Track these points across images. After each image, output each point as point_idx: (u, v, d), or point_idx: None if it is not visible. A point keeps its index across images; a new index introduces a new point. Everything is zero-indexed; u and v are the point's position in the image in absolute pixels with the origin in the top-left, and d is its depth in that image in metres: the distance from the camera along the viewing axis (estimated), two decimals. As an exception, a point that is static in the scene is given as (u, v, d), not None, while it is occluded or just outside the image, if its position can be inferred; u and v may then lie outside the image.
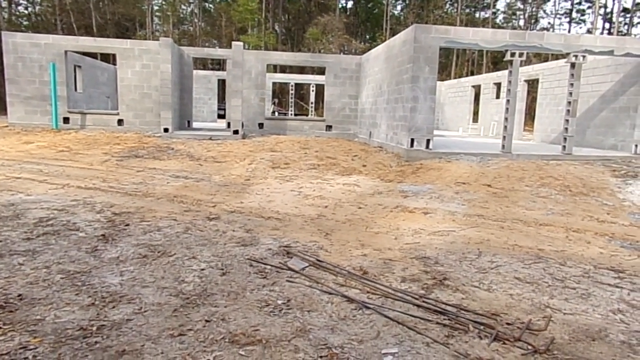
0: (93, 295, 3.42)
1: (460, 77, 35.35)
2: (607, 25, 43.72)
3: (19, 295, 3.35)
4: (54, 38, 15.79)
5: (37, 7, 41.96)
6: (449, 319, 3.30)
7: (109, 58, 24.97)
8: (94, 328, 2.91)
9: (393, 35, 14.51)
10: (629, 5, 42.08)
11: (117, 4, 41.88)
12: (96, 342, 2.75)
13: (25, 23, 40.17)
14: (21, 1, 40.72)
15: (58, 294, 3.41)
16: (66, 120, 15.56)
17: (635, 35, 41.89)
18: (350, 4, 52.57)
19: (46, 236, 4.80)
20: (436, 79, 11.43)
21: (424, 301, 3.59)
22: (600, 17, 42.59)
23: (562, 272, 4.43)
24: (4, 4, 37.41)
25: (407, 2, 49.97)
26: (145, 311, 3.20)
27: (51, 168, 9.20)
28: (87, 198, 6.71)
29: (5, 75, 15.40)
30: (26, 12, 41.88)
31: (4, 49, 15.25)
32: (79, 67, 19.29)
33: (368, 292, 3.74)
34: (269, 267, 4.20)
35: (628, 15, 42.85)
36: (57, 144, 12.41)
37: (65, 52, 15.45)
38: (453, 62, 44.76)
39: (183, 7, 48.46)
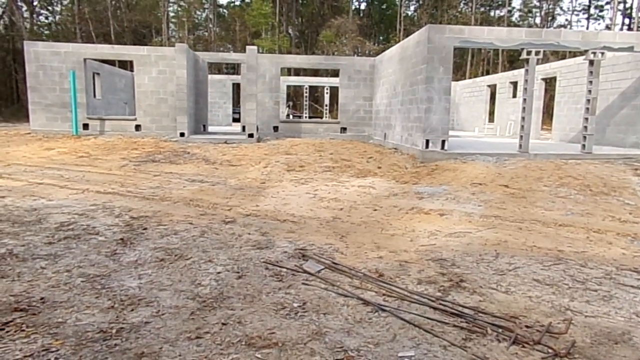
0: (112, 298, 3.48)
1: (475, 76, 34.96)
2: (626, 20, 42.77)
3: (42, 298, 3.43)
4: (73, 46, 16.17)
5: (57, 17, 43.09)
6: (466, 322, 3.26)
7: (126, 65, 25.46)
8: (114, 331, 2.97)
9: (407, 36, 14.46)
10: (649, -1, 41.00)
11: (134, 12, 42.72)
12: (115, 345, 2.80)
13: (46, 32, 41.29)
14: (42, 11, 41.87)
15: (79, 297, 3.49)
16: (86, 126, 15.90)
17: (656, 30, 40.77)
18: (363, 6, 52.57)
19: (67, 240, 4.90)
20: (451, 79, 11.34)
21: (440, 304, 3.55)
22: (619, 13, 41.67)
23: (583, 273, 4.33)
24: (26, 15, 38.48)
25: (421, 2, 49.66)
26: (163, 314, 3.24)
27: (72, 173, 9.41)
28: (106, 202, 6.84)
29: (27, 84, 15.83)
30: (47, 21, 43.04)
31: (26, 57, 15.69)
32: (98, 74, 19.71)
33: (384, 294, 3.72)
34: (284, 270, 4.22)
35: (649, 10, 41.74)
36: (77, 150, 12.69)
37: (85, 59, 15.80)
38: (468, 62, 44.30)
39: (198, 12, 49.12)
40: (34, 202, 6.74)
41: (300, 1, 49.59)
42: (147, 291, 3.64)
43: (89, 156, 11.93)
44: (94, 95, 19.19)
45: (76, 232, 5.20)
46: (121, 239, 5.03)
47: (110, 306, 3.34)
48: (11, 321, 3.03)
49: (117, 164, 10.92)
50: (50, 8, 42.78)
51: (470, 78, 32.51)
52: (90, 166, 10.49)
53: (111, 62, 21.47)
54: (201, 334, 2.97)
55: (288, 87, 29.50)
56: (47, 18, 43.05)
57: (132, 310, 3.29)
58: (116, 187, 8.12)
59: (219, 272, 4.12)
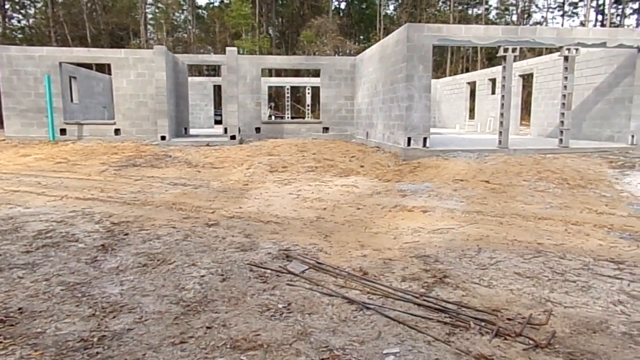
0: (93, 306, 3.42)
1: (455, 74, 35.41)
2: (599, 17, 43.88)
3: (20, 308, 3.35)
4: (48, 50, 15.80)
5: (31, 20, 42.03)
6: (450, 317, 3.30)
7: (104, 68, 25.00)
8: (95, 339, 2.91)
9: (387, 34, 14.56)
10: (620, -4, 42.24)
11: (111, 14, 41.96)
12: (97, 353, 2.75)
13: (19, 36, 40.20)
14: (14, 15, 40.82)
15: (58, 306, 3.41)
16: (63, 131, 15.56)
17: (627, 26, 42.00)
18: (343, 5, 52.69)
19: (45, 248, 4.80)
20: (431, 77, 11.46)
21: (424, 300, 3.59)
22: (592, 10, 42.76)
23: (562, 265, 4.43)
24: (-2, 18, 37.49)
25: (400, 1, 50.07)
26: (146, 320, 3.20)
27: (49, 180, 9.20)
28: (85, 209, 6.71)
29: (1, 89, 15.41)
30: (20, 25, 41.94)
31: (-1, 62, 15.27)
32: (74, 78, 19.31)
33: (368, 292, 3.74)
34: (269, 271, 4.20)
35: (620, 7, 43.00)
36: (54, 156, 12.41)
37: (60, 63, 15.46)
38: (447, 60, 44.85)
39: (176, 14, 48.52)
40: (10, 210, 6.57)
41: (280, 1, 49.47)
42: (129, 297, 3.58)
43: (67, 162, 11.68)
44: (71, 100, 18.79)
45: (55, 240, 5.09)
46: (102, 245, 4.94)
47: (91, 314, 3.28)
48: (-12, 333, 2.95)
49: (97, 169, 10.72)
50: (23, 11, 41.72)
51: (450, 76, 32.90)
52: (69, 172, 10.28)
53: (88, 66, 21.05)
54: (185, 338, 2.94)
55: (269, 88, 29.39)
56: (19, 22, 41.97)
57: (114, 317, 3.24)
58: (96, 193, 7.98)
59: (202, 276, 4.08)
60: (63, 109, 15.58)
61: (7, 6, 38.51)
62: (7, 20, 39.18)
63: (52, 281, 3.90)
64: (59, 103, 15.42)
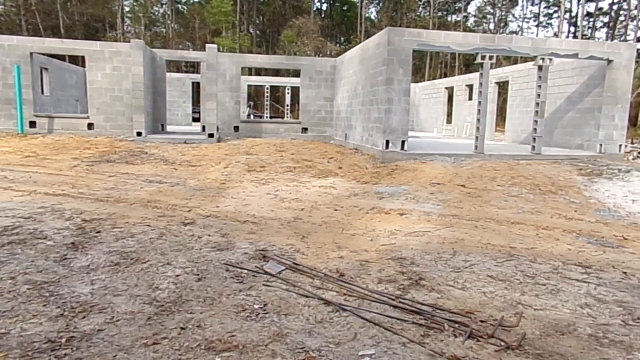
0: (62, 305, 3.31)
1: (434, 79, 35.97)
2: (572, 29, 45.37)
3: (-17, 308, 3.21)
4: (18, 39, 15.23)
5: (1, 7, 40.48)
6: (424, 319, 3.34)
7: (77, 60, 24.29)
8: (63, 340, 2.82)
9: (367, 37, 14.66)
10: (592, 10, 43.76)
11: (86, 5, 40.83)
12: (65, 355, 2.66)
13: (-12, 24, 38.66)
14: (-17, 1, 39.25)
15: (24, 305, 3.29)
16: (32, 124, 15.03)
17: (598, 38, 43.57)
18: (325, 7, 52.84)
19: (11, 245, 4.61)
20: (410, 81, 11.60)
21: (400, 302, 3.62)
22: (565, 21, 44.14)
23: (533, 268, 4.55)
24: (-35, 4, 35.96)
25: (381, 5, 50.55)
26: (117, 320, 3.12)
27: (17, 174, 8.87)
28: (55, 205, 6.49)
29: (-33, 78, 14.76)
30: (-11, 12, 40.34)
31: (-35, 50, 14.63)
32: (46, 69, 18.69)
33: (345, 294, 3.75)
34: (245, 271, 4.16)
35: (591, 20, 44.57)
36: (22, 149, 11.97)
37: (31, 53, 14.93)
38: (427, 64, 45.52)
39: (155, 8, 47.63)
40: (-25, 205, 6.30)
41: (262, 0, 49.20)
42: (100, 297, 3.49)
43: (37, 156, 11.29)
44: (42, 92, 18.17)
45: (21, 237, 4.90)
46: (72, 243, 4.79)
47: (59, 314, 3.17)
48: (-53, 334, 2.82)
49: (68, 164, 10.39)
50: (-8, -2, 40.16)
51: (428, 80, 33.41)
52: (38, 166, 9.93)
53: (61, 57, 20.41)
54: (158, 339, 2.88)
55: (249, 86, 29.16)
56: (-11, 9, 40.37)
57: (84, 317, 3.14)
58: (67, 189, 7.73)
59: (177, 275, 4.01)
60: (33, 101, 15.04)
61: (-25, -8, 37.01)
62: (-25, 6, 37.64)
63: (18, 280, 3.76)
64: (29, 95, 14.88)
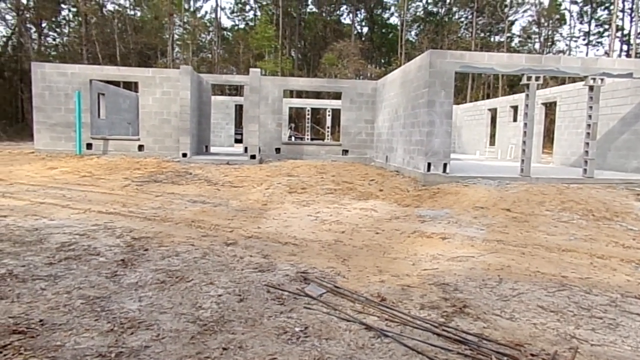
0: (112, 321, 3.44)
1: (476, 100, 35.32)
2: (624, 47, 43.44)
3: (40, 320, 3.39)
4: (79, 67, 16.44)
5: (65, 38, 43.93)
6: (470, 349, 3.20)
7: (131, 86, 25.81)
8: (113, 355, 2.92)
9: (408, 59, 14.70)
10: (646, 27, 41.76)
11: (140, 34, 43.57)
12: (114, 369, 2.75)
13: (53, 53, 42.02)
14: (50, 33, 42.74)
15: (78, 319, 3.45)
16: (89, 146, 16.02)
17: (654, 56, 41.37)
18: (365, 30, 53.56)
19: (68, 261, 4.88)
20: (452, 103, 11.46)
21: (443, 330, 3.50)
22: (617, 40, 42.37)
23: (588, 300, 4.28)
24: (34, 36, 39.28)
25: (422, 27, 50.63)
26: (163, 338, 3.20)
27: (74, 193, 9.43)
28: (107, 223, 6.83)
29: (33, 104, 16.04)
30: (54, 43, 43.87)
31: (33, 78, 15.94)
32: (103, 94, 19.98)
33: (386, 319, 3.67)
34: (286, 293, 4.18)
35: (646, 37, 42.47)
36: (80, 169, 12.75)
37: (90, 80, 16.04)
38: (469, 86, 44.85)
39: (202, 35, 50.07)
40: (36, 221, 6.74)
41: (304, 25, 50.60)
42: (147, 314, 3.60)
43: (92, 176, 11.98)
44: (99, 116, 19.40)
45: (77, 253, 5.18)
46: (122, 260, 5.00)
47: (109, 329, 3.30)
48: (9, 344, 2.99)
49: (120, 183, 10.95)
50: (58, 30, 43.69)
51: (471, 102, 32.84)
52: (93, 186, 10.52)
53: (116, 83, 21.76)
54: (202, 358, 2.93)
55: (290, 108, 29.80)
56: (54, 39, 43.92)
57: (132, 333, 3.25)
58: (118, 207, 8.13)
59: (220, 295, 4.08)
60: (90, 124, 16.08)
61: (43, 24, 40.37)
62: (42, 38, 41.03)
63: (73, 294, 3.95)
64: (87, 118, 15.93)
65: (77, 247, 5.43)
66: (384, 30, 52.53)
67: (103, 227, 6.55)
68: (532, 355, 3.16)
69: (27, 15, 37.67)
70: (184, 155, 15.07)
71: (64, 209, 7.74)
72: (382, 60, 50.99)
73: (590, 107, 11.68)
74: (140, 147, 16.20)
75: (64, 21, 43.85)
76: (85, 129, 15.88)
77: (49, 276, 4.37)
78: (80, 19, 40.29)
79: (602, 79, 11.45)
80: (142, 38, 43.23)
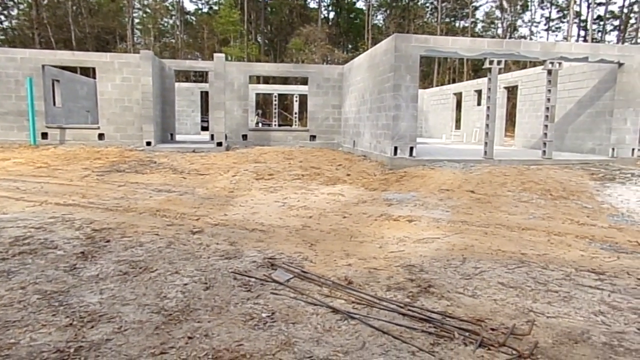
0: (71, 315, 3.32)
1: (442, 84, 35.88)
2: (582, 32, 45.03)
3: (-7, 317, 3.23)
4: (30, 52, 15.55)
5: (14, 22, 41.39)
6: (434, 327, 3.29)
7: (88, 72, 24.68)
8: (72, 350, 2.82)
9: (375, 44, 14.70)
10: (602, 13, 43.48)
11: (97, 17, 41.60)
12: (73, 364, 2.66)
13: (1, 37, 39.58)
14: (-3, 16, 40.20)
15: (34, 315, 3.31)
16: (44, 135, 15.27)
17: (608, 42, 43.18)
18: (332, 15, 53.16)
19: (22, 255, 4.66)
20: (418, 87, 11.58)
21: (409, 309, 3.58)
22: (575, 25, 43.86)
23: (545, 275, 4.47)
24: (-20, 19, 36.85)
25: (388, 12, 50.73)
26: (125, 330, 3.12)
27: (29, 185, 8.99)
28: (66, 215, 6.56)
29: (-19, 91, 15.07)
30: (1, 26, 41.29)
31: (-20, 64, 14.95)
32: (58, 81, 19.02)
33: (353, 302, 3.72)
34: (253, 279, 4.15)
35: (602, 23, 44.23)
36: (35, 160, 12.15)
37: (43, 66, 15.22)
38: (435, 70, 45.47)
39: (164, 19, 48.33)
40: (-13, 215, 6.39)
41: (270, 9, 49.68)
42: (108, 306, 3.49)
43: (48, 167, 11.45)
44: (54, 103, 18.48)
45: (32, 247, 4.95)
46: (82, 252, 4.82)
47: (68, 324, 3.18)
48: (-42, 344, 2.84)
49: (79, 174, 10.52)
50: (5, 12, 41.11)
51: (437, 86, 33.33)
52: (50, 177, 10.06)
53: (72, 69, 20.75)
54: (166, 349, 2.87)
55: (257, 95, 29.35)
56: (1, 23, 41.33)
57: (92, 327, 3.15)
58: (77, 199, 7.81)
59: (185, 284, 4.01)
60: (45, 113, 15.30)
61: (-10, 7, 37.91)
62: (-11, 21, 38.55)
63: (28, 290, 3.78)
64: (41, 106, 15.14)
65: (33, 240, 5.19)
66: (350, 15, 52.29)
67: (61, 219, 6.29)
68: (492, 329, 3.27)
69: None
70: (148, 143, 14.62)
71: (17, 202, 7.38)
72: (349, 46, 50.81)
73: (549, 91, 12.07)
74: (101, 136, 15.59)
75: (11, 3, 41.24)
76: (39, 117, 15.09)
77: (2, 272, 4.17)
78: (30, 0, 38.02)
79: (560, 63, 11.83)
80: (98, 21, 41.30)
